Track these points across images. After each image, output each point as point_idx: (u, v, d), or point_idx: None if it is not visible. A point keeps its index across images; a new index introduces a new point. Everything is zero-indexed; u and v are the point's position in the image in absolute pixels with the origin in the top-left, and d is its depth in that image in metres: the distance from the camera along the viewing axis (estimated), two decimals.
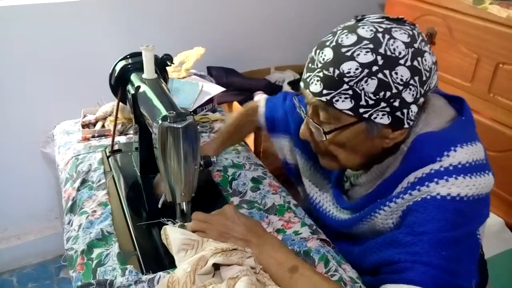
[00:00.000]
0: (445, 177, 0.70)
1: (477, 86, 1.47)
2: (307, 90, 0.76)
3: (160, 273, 0.78)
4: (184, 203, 0.85)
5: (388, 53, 0.69)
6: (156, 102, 0.87)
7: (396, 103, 0.70)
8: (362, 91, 0.69)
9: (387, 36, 0.70)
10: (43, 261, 2.02)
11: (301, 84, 0.78)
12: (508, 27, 1.33)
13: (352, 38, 0.71)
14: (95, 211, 0.95)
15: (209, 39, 1.85)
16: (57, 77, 1.68)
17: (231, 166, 1.09)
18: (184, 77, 1.43)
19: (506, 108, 1.39)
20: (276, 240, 0.83)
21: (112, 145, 1.16)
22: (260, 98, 1.86)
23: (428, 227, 0.69)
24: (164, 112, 0.81)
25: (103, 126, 1.33)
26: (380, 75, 0.68)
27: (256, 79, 2.07)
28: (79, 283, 0.78)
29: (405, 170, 0.76)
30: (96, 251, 0.84)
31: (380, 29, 0.71)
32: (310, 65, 0.76)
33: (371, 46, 0.69)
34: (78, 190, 1.03)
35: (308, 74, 0.76)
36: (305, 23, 2.13)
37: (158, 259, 0.83)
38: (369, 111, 0.71)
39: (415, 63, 0.69)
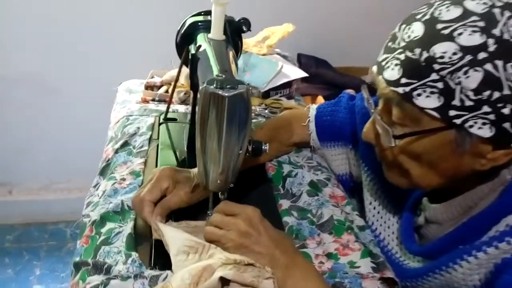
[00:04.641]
0: None
1: None
2: (380, 77, 0.57)
3: (168, 272, 0.62)
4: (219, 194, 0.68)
5: (506, 36, 0.49)
6: (213, 63, 0.71)
7: (506, 110, 0.50)
8: (458, 86, 0.51)
9: (507, 14, 0.50)
10: None
11: (374, 68, 0.59)
12: None
13: (455, 12, 0.52)
14: (124, 179, 0.82)
15: (305, 22, 1.65)
16: (136, 35, 1.62)
17: (288, 163, 0.90)
18: (264, 54, 1.27)
19: None
20: (309, 264, 0.64)
21: (167, 112, 1.03)
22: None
23: None
24: (215, 73, 0.65)
25: (167, 91, 1.21)
26: (488, 67, 0.50)
27: (350, 77, 1.85)
28: (77, 259, 0.66)
29: (504, 208, 0.57)
30: (108, 226, 0.71)
31: (498, 3, 0.51)
32: (389, 44, 0.57)
33: (481, 24, 0.50)
34: (116, 152, 0.92)
35: (384, 55, 0.57)
36: None
37: None
38: (464, 115, 0.52)
39: None
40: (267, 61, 1.21)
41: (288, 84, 1.22)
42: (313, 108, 0.92)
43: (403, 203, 0.73)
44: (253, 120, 1.05)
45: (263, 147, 0.71)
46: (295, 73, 1.22)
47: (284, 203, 0.80)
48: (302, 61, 1.82)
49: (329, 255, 0.70)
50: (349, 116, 0.86)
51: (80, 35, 1.64)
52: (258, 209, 0.63)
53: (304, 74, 1.24)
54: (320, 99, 1.68)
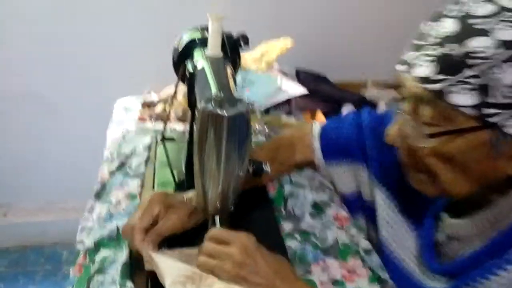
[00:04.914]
0: None
1: None
2: (409, 75, 0.54)
3: None
4: (217, 217, 0.65)
5: None
6: (211, 80, 0.68)
7: None
8: (494, 82, 0.48)
9: None
10: None
11: (400, 68, 0.56)
12: None
13: (488, 8, 0.50)
14: (119, 203, 0.79)
15: (303, 36, 1.64)
16: (135, 51, 1.60)
17: (289, 183, 0.87)
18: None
19: None
20: None
21: (163, 131, 1.00)
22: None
23: None
24: (213, 92, 0.62)
25: (165, 109, 1.19)
26: None
27: (349, 92, 1.83)
28: None
29: None
30: (103, 253, 0.67)
31: None
32: (417, 41, 0.55)
33: None
34: (112, 173, 0.88)
35: (413, 53, 0.54)
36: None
37: None
38: (501, 114, 0.49)
39: None
40: (265, 77, 1.19)
41: (287, 100, 1.19)
42: (316, 126, 0.89)
43: (420, 219, 0.69)
44: (253, 140, 1.02)
45: (264, 167, 0.68)
46: (295, 89, 1.20)
47: (286, 226, 0.76)
48: (301, 77, 1.80)
49: (334, 283, 0.67)
50: (356, 131, 0.83)
51: (78, 53, 1.61)
52: (253, 236, 0.60)
53: (304, 91, 1.21)
54: (320, 115, 1.66)
